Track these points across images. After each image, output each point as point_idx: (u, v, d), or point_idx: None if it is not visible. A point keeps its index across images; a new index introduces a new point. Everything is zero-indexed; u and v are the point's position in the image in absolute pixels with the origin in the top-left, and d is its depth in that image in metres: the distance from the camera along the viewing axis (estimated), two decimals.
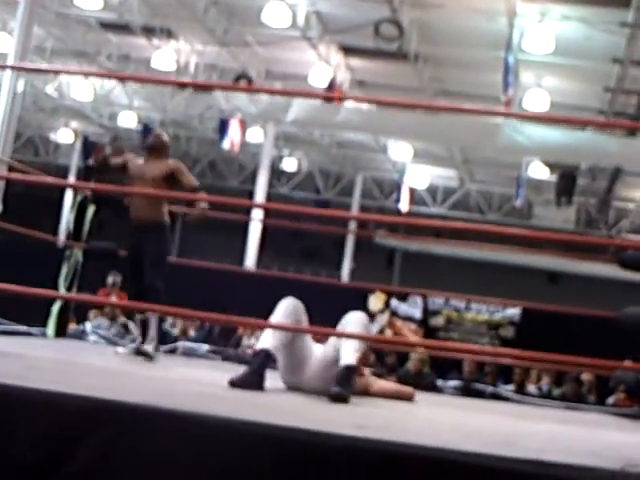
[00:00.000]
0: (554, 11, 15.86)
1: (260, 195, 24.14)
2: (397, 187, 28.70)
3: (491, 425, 5.23)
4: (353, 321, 5.45)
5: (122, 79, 23.46)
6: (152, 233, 6.85)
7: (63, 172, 29.03)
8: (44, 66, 20.98)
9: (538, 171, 24.57)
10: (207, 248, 27.31)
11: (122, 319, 10.72)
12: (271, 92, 21.33)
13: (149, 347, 6.71)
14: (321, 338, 5.59)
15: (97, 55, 22.58)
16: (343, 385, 5.04)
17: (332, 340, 5.47)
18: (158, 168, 7.02)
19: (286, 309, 5.42)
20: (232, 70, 21.72)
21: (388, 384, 6.17)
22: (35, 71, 22.92)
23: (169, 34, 20.71)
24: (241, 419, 3.31)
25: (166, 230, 6.98)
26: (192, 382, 5.48)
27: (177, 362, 7.39)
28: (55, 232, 25.32)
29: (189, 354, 8.26)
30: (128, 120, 27.05)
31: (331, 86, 19.90)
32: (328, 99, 18.23)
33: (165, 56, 21.08)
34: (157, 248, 6.84)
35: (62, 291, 7.48)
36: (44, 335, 7.67)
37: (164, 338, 10.62)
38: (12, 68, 14.03)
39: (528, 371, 12.20)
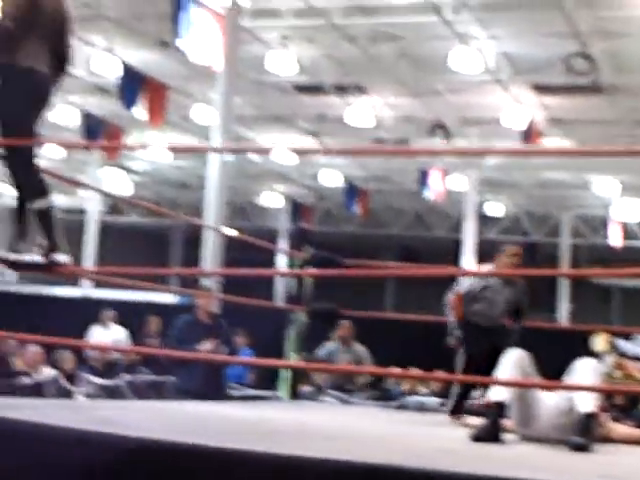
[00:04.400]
0: None
1: (469, 242, 23.87)
2: (606, 223, 27.70)
3: None
4: (585, 369, 5.28)
5: (327, 150, 23.88)
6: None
7: (273, 235, 29.78)
8: (246, 146, 21.64)
9: None
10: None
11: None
12: (465, 152, 21.14)
13: None
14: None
15: (294, 118, 23.23)
16: (584, 434, 4.89)
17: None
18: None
19: (513, 361, 5.33)
20: (426, 120, 21.78)
21: (630, 429, 5.86)
22: (242, 151, 23.66)
23: (361, 90, 21.01)
24: (495, 476, 3.22)
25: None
26: (431, 438, 5.44)
27: (409, 418, 7.31)
28: (269, 296, 25.94)
29: (420, 409, 8.19)
30: (331, 179, 27.50)
31: (529, 127, 19.60)
32: (523, 153, 17.89)
33: (359, 112, 21.37)
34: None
35: (291, 355, 7.57)
36: (278, 398, 7.75)
37: (388, 394, 10.58)
38: (222, 150, 14.56)
39: None
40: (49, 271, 5.17)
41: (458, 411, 6.91)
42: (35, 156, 5.17)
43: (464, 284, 7.17)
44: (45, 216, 5.00)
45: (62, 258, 5.07)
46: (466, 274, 7.51)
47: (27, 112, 5.11)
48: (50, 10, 5.21)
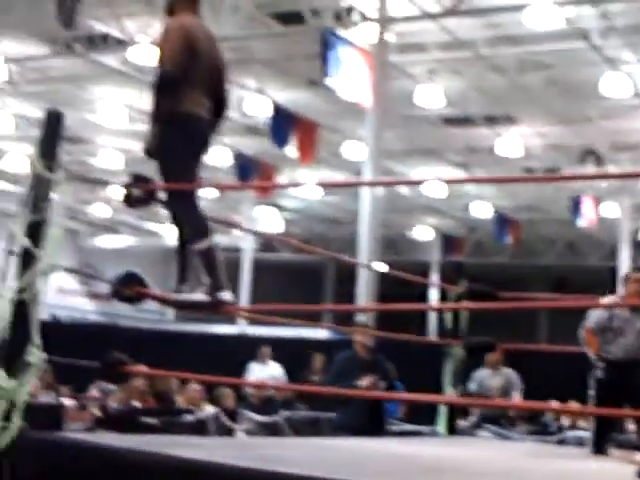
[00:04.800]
0: None
1: (624, 270, 23.15)
2: None
3: None
4: None
5: (478, 179, 23.70)
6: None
7: (424, 268, 29.68)
8: (396, 179, 21.67)
9: None
10: None
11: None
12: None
13: None
14: None
15: (443, 150, 23.17)
16: None
17: None
18: None
19: None
20: (577, 147, 21.36)
21: None
22: (392, 184, 23.75)
23: (510, 120, 20.80)
24: None
25: None
26: (598, 476, 5.32)
27: (570, 453, 7.12)
28: (423, 328, 25.81)
29: (581, 444, 7.95)
30: (481, 210, 27.22)
31: None
32: None
33: (509, 142, 21.13)
34: None
35: (448, 390, 7.48)
36: (436, 433, 7.67)
37: (547, 428, 10.34)
38: (373, 184, 14.65)
39: None
40: (215, 310, 5.27)
41: (601, 449, 6.69)
42: (197, 198, 5.33)
43: (591, 317, 6.98)
44: (209, 255, 5.12)
45: (226, 296, 5.18)
46: (620, 306, 7.24)
47: (188, 157, 5.26)
48: (207, 56, 5.38)
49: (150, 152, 5.24)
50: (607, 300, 7.02)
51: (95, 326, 27.31)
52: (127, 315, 25.36)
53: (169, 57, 5.18)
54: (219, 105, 5.55)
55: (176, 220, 5.33)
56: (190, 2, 5.52)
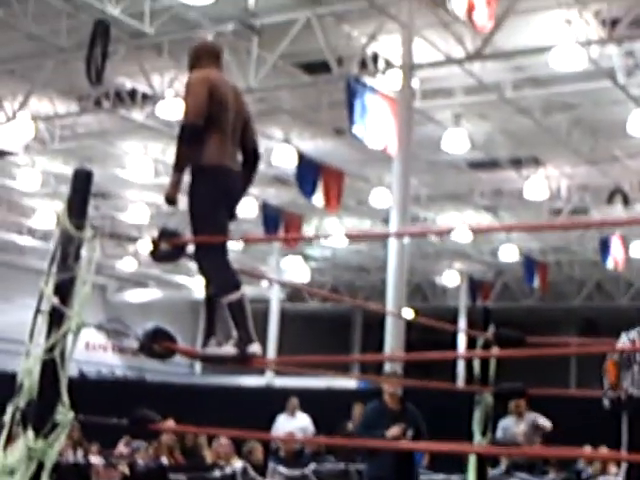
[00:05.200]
0: None
1: None
2: None
3: None
4: None
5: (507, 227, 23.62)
6: None
7: (453, 314, 29.51)
8: (424, 228, 21.63)
9: None
10: None
11: None
12: None
13: None
14: None
15: (470, 195, 23.14)
16: None
17: None
18: None
19: None
20: (604, 187, 21.27)
21: None
22: (420, 234, 23.69)
23: (536, 162, 20.77)
24: None
25: None
26: None
27: None
28: (453, 376, 25.60)
29: None
30: (508, 254, 27.08)
31: None
32: None
33: (535, 184, 21.07)
34: None
35: (477, 437, 7.36)
36: None
37: (579, 475, 10.17)
38: (400, 235, 14.61)
39: None
40: (244, 363, 5.22)
41: None
42: (226, 251, 5.31)
43: (618, 349, 6.89)
44: (238, 308, 5.09)
45: (256, 349, 5.13)
46: None
47: (217, 209, 5.24)
48: (232, 108, 5.41)
49: (170, 200, 5.20)
50: (631, 335, 6.96)
51: (122, 382, 27.35)
52: (155, 369, 25.34)
53: (193, 108, 5.19)
54: (250, 157, 5.56)
55: (206, 273, 5.30)
56: (213, 57, 5.56)
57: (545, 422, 10.45)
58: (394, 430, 8.40)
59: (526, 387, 7.57)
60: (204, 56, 5.53)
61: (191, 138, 5.18)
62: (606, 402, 6.92)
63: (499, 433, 10.23)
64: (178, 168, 5.15)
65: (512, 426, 10.49)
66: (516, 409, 10.52)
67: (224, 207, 5.30)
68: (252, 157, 5.58)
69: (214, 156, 5.23)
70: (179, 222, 24.43)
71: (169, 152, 21.45)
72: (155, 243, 5.23)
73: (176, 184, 5.15)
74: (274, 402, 14.27)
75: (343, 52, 15.13)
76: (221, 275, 5.17)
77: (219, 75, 5.48)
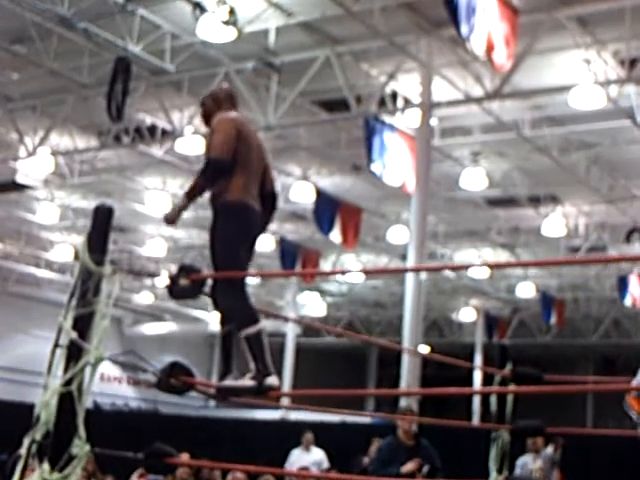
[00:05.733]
0: None
1: None
2: None
3: None
4: None
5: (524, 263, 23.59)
6: None
7: (469, 350, 29.42)
8: (440, 264, 21.61)
9: None
10: None
11: None
12: None
13: None
14: None
15: (487, 232, 23.14)
16: None
17: None
18: None
19: None
20: (622, 225, 21.23)
21: None
22: (436, 269, 23.63)
23: (554, 200, 20.77)
24: None
25: None
26: None
27: None
28: (469, 412, 25.46)
29: None
30: (525, 290, 27.03)
31: None
32: None
33: (553, 222, 21.07)
34: None
35: (493, 475, 7.34)
36: None
37: None
38: (419, 270, 14.64)
39: None
40: (262, 395, 5.24)
41: None
42: (245, 286, 5.36)
43: (637, 379, 6.85)
44: (256, 341, 5.12)
45: (273, 381, 5.15)
46: None
47: (239, 245, 5.29)
48: (255, 148, 5.50)
49: (169, 220, 5.32)
50: None
51: (137, 414, 27.33)
52: (169, 401, 25.31)
53: (222, 144, 5.26)
54: (269, 199, 5.63)
55: (223, 307, 5.33)
56: (233, 100, 5.66)
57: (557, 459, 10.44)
58: (409, 465, 8.37)
59: (543, 424, 7.55)
60: (225, 100, 5.61)
61: (216, 173, 5.26)
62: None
63: (517, 470, 10.22)
64: (190, 195, 5.25)
65: (529, 463, 10.50)
66: (534, 446, 10.52)
67: (246, 243, 5.36)
68: (271, 199, 5.66)
69: (240, 194, 5.31)
70: (195, 256, 24.56)
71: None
72: (173, 279, 5.27)
73: (181, 209, 5.28)
74: (289, 435, 14.25)
75: (362, 90, 15.23)
76: (240, 309, 5.22)
77: (243, 116, 5.59)
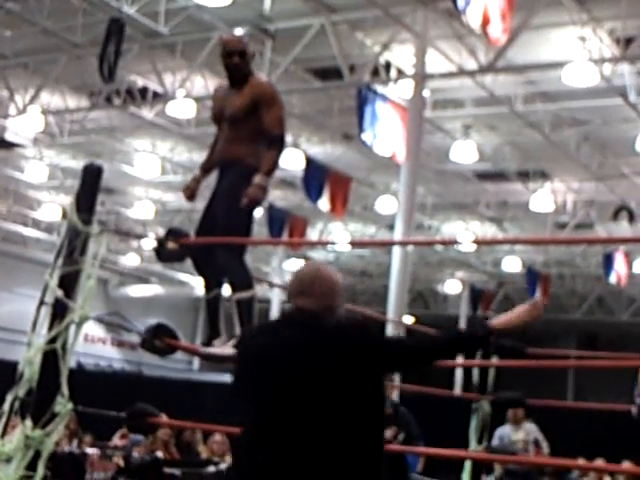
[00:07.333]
0: None
1: None
2: None
3: None
4: None
5: (511, 239, 23.66)
6: None
7: (453, 322, 29.55)
8: (428, 238, 21.67)
9: None
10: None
11: None
12: None
13: None
14: None
15: (475, 205, 23.19)
16: None
17: None
18: None
19: None
20: (610, 203, 21.29)
21: None
22: (428, 243, 23.72)
23: (544, 175, 20.80)
24: None
25: None
26: None
27: None
28: (451, 382, 25.62)
29: None
30: (511, 265, 27.15)
31: None
32: None
33: (542, 198, 21.12)
34: None
35: (473, 444, 7.44)
36: None
37: None
38: (406, 243, 14.66)
39: None
40: None
41: None
42: (245, 251, 5.44)
43: None
44: (247, 307, 5.19)
45: None
46: None
47: (253, 212, 5.43)
48: None
49: (259, 203, 5.36)
50: None
51: (120, 375, 27.38)
52: (152, 363, 25.36)
53: (283, 120, 5.40)
54: None
55: (226, 270, 5.34)
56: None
57: (545, 447, 10.43)
58: (386, 434, 8.44)
59: (524, 396, 7.64)
60: (250, 63, 5.57)
61: (284, 149, 5.44)
62: (634, 410, 6.94)
63: (495, 441, 10.28)
64: (271, 174, 5.37)
65: (509, 434, 10.54)
66: (514, 418, 10.57)
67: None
68: None
69: (260, 161, 5.40)
70: (183, 220, 24.52)
71: (177, 150, 21.52)
72: (161, 242, 5.28)
73: (266, 188, 5.34)
74: None
75: (356, 59, 15.18)
76: (241, 273, 5.27)
77: None
